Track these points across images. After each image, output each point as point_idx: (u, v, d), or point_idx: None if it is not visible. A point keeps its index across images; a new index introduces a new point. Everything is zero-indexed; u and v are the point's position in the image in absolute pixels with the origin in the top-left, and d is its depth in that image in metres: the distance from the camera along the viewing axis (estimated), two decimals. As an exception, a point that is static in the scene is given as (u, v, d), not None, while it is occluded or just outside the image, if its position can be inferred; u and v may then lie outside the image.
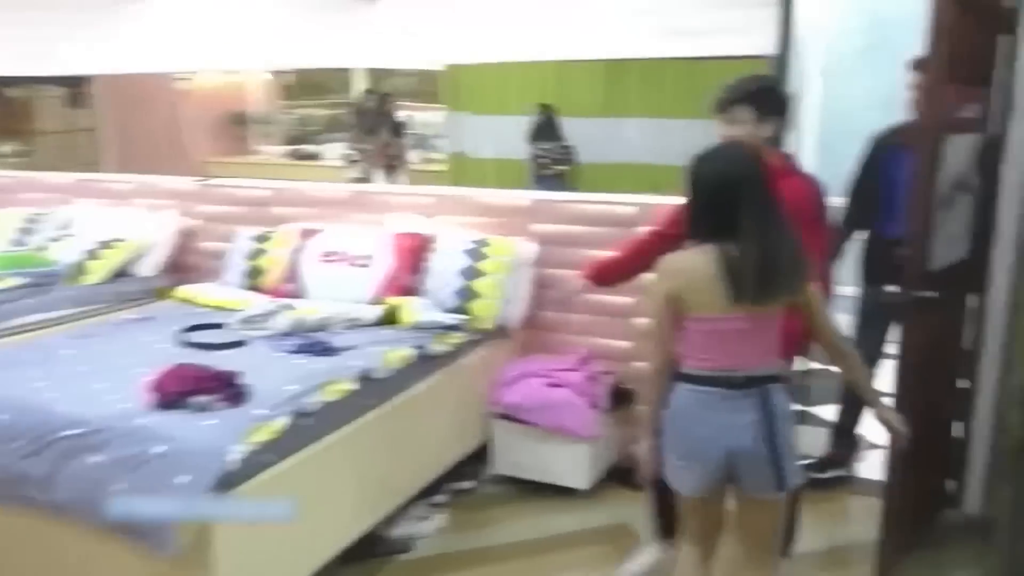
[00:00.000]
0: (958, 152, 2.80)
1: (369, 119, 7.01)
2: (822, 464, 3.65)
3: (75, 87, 6.91)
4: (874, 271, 3.46)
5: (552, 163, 6.41)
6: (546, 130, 6.38)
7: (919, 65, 3.18)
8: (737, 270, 2.02)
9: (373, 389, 2.97)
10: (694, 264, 2.07)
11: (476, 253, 3.74)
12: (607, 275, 2.91)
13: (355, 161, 7.06)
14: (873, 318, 3.48)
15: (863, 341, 3.55)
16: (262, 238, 4.18)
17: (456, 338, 3.46)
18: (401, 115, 7.19)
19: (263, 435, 2.48)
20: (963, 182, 2.90)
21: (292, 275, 3.92)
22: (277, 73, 8.42)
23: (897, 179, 3.27)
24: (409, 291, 3.69)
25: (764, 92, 2.48)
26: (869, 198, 3.44)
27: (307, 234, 4.05)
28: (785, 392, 2.15)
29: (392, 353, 3.13)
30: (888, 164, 3.34)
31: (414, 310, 3.50)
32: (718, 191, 2.04)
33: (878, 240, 3.44)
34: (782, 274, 2.05)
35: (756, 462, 2.10)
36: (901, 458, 2.83)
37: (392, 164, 7.03)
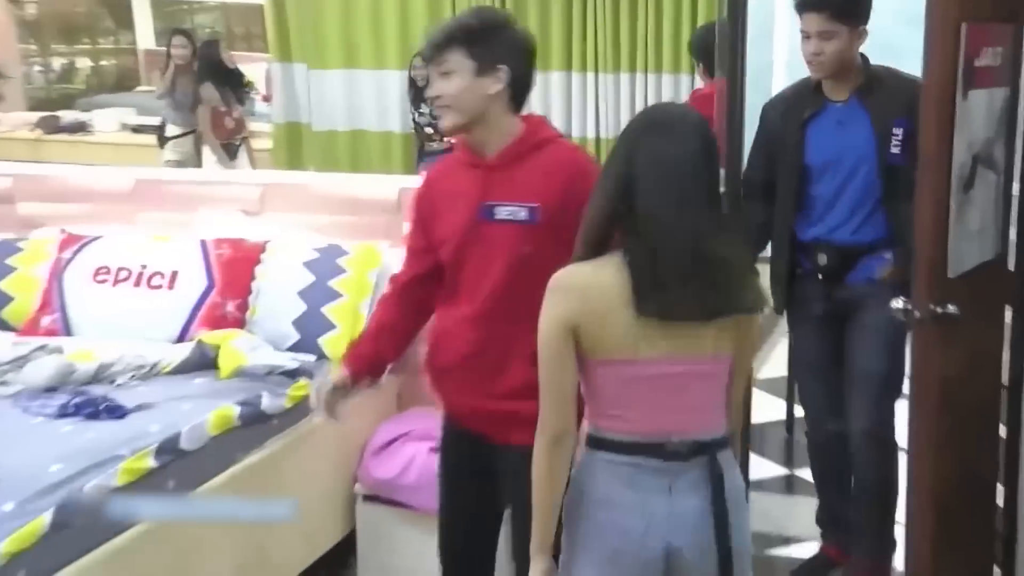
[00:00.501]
0: (978, 113, 2.91)
1: (188, 77, 6.89)
2: (814, 570, 3.67)
3: None
4: (795, 292, 3.48)
5: (438, 133, 6.43)
6: (420, 86, 6.39)
7: (805, 2, 3.26)
8: (655, 269, 2.00)
9: (181, 466, 2.93)
10: (598, 280, 2.05)
11: (326, 266, 3.74)
12: (368, 364, 2.78)
13: (171, 138, 6.91)
14: (815, 362, 3.49)
15: (813, 399, 3.59)
16: (4, 249, 4.08)
17: (301, 388, 3.42)
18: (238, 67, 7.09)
19: (13, 544, 2.41)
20: (987, 155, 3.02)
21: (53, 303, 3.85)
22: (12, 3, 8.16)
23: (813, 161, 3.35)
24: (231, 322, 3.66)
25: (488, 32, 2.49)
26: (773, 189, 3.47)
27: (73, 243, 3.99)
28: (735, 463, 2.19)
29: (208, 413, 3.09)
30: (796, 141, 3.38)
31: (239, 350, 3.46)
32: (672, 177, 2.04)
33: (789, 246, 3.43)
34: (721, 278, 2.04)
35: (704, 568, 2.10)
36: (927, 540, 2.90)
37: (232, 139, 6.94)
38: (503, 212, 2.48)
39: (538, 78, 6.31)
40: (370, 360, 2.78)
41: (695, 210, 2.04)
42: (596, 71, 6.18)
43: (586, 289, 2.06)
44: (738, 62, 3.74)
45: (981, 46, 2.83)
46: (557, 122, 6.31)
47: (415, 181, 4.33)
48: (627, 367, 2.06)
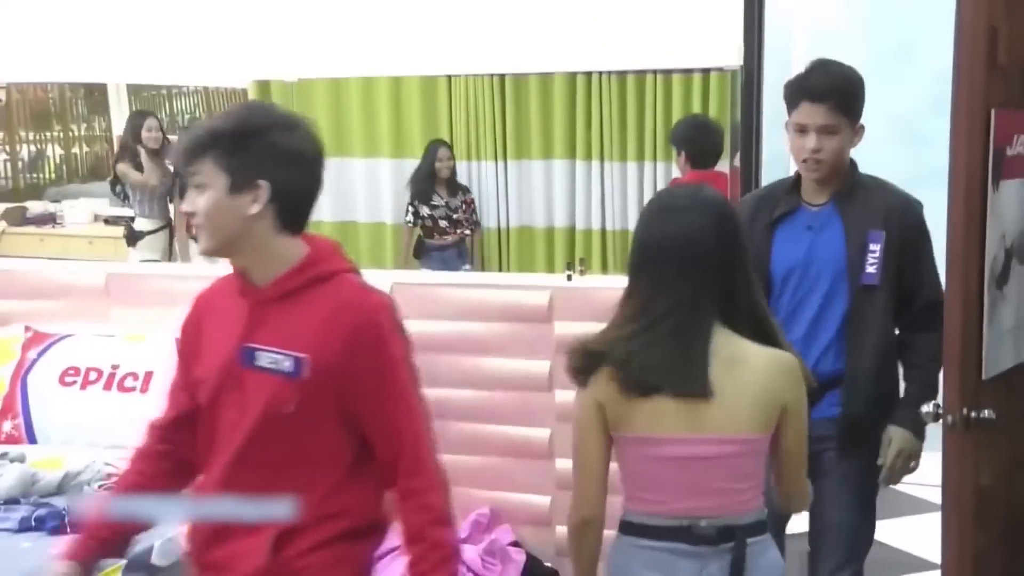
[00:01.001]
0: (1011, 205, 2.91)
1: (159, 163, 6.92)
2: None
3: None
4: None
5: (453, 225, 6.50)
6: (443, 177, 6.50)
7: (804, 91, 3.10)
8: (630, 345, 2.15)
9: (157, 586, 2.91)
10: None
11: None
12: (104, 547, 2.42)
13: (144, 233, 6.89)
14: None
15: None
16: (-35, 349, 4.08)
17: (284, 498, 3.40)
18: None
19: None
20: (1021, 248, 3.02)
21: (15, 407, 3.85)
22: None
23: (777, 269, 3.18)
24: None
25: (245, 139, 2.17)
26: None
27: (39, 341, 4.00)
28: (774, 547, 2.26)
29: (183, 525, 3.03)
30: (762, 245, 3.18)
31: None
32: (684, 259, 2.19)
33: None
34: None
35: None
36: None
37: None
38: (265, 359, 2.19)
39: (540, 166, 6.43)
40: (108, 541, 2.41)
41: (681, 286, 2.18)
42: (602, 159, 6.25)
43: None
44: (753, 150, 3.82)
45: (1013, 133, 2.82)
46: (560, 213, 6.35)
47: (408, 276, 4.38)
48: (650, 445, 2.16)
